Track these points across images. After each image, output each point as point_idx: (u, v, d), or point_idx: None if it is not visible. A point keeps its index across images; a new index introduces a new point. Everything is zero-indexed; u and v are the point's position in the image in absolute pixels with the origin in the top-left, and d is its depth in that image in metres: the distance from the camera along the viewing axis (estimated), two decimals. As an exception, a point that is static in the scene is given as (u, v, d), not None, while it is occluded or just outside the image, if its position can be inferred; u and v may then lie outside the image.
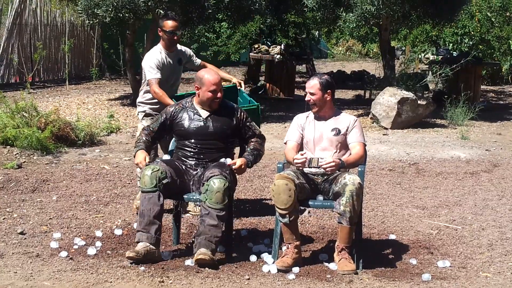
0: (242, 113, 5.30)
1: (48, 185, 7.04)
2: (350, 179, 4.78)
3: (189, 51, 6.34)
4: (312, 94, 5.09)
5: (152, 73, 5.94)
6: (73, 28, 16.55)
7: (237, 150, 5.53)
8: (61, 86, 15.16)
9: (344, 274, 4.70)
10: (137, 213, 5.95)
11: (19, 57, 14.84)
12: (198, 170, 5.13)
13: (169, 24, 6.00)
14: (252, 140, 5.32)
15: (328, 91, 5.10)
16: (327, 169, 4.84)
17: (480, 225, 6.01)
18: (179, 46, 6.23)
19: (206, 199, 4.81)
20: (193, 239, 5.06)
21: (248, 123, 5.31)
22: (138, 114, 6.25)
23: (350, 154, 5.06)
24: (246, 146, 5.34)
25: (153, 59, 5.99)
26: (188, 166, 5.16)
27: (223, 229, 4.87)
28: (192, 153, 5.19)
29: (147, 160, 5.06)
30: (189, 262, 4.79)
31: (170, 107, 5.36)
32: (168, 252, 5.05)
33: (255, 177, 7.63)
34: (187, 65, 6.41)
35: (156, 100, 5.98)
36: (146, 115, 6.09)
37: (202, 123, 5.17)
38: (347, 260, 4.79)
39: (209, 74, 5.18)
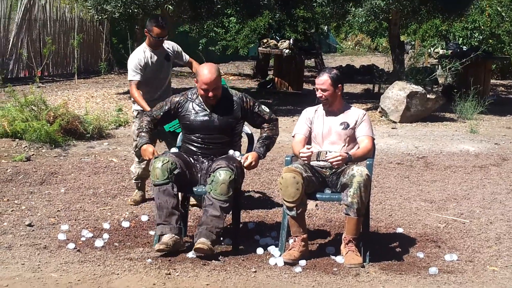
0: (248, 101, 5.22)
1: (56, 177, 7.07)
2: (358, 171, 4.77)
3: (176, 46, 6.33)
4: (324, 90, 5.07)
5: (132, 75, 6.06)
6: (82, 23, 16.58)
7: (244, 140, 5.51)
8: (70, 80, 15.19)
9: (351, 267, 4.70)
10: (133, 205, 6.17)
11: (28, 51, 14.89)
12: (206, 162, 5.12)
13: (157, 31, 6.03)
14: (264, 126, 5.27)
15: (338, 85, 5.09)
16: (334, 163, 4.84)
17: (488, 219, 5.98)
18: (166, 42, 6.23)
19: (211, 190, 4.82)
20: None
21: (256, 110, 5.24)
22: (133, 112, 6.33)
23: (358, 147, 5.05)
24: (259, 134, 5.31)
25: (134, 61, 6.07)
26: (196, 159, 5.15)
27: (225, 221, 4.88)
28: (198, 147, 5.17)
29: (155, 154, 5.06)
30: (191, 254, 4.80)
31: (175, 97, 5.29)
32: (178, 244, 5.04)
33: (262, 170, 7.62)
34: (176, 61, 6.42)
35: (154, 97, 6.08)
36: (140, 113, 6.08)
37: (207, 117, 5.13)
38: (354, 253, 4.78)
39: (203, 72, 5.08)
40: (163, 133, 5.86)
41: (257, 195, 6.70)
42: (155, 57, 6.13)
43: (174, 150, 5.31)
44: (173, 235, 4.81)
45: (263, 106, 5.30)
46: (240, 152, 5.20)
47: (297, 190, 4.76)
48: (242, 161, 5.03)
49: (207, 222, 4.79)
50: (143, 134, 5.20)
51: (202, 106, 5.17)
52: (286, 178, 4.78)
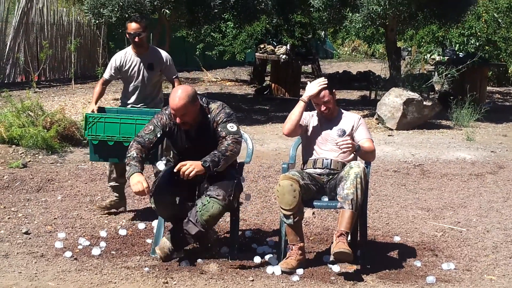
0: (216, 118, 4.87)
1: (53, 184, 7.06)
2: (355, 163, 4.82)
3: (167, 59, 6.17)
4: (326, 102, 5.08)
5: (105, 71, 6.21)
6: (79, 27, 16.60)
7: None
8: (67, 85, 15.19)
9: (337, 252, 4.54)
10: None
11: (25, 56, 14.88)
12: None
13: (131, 26, 6.02)
14: (225, 140, 4.85)
15: (333, 91, 5.16)
16: (343, 147, 4.83)
17: (485, 227, 5.99)
18: (159, 52, 6.16)
19: (200, 211, 4.71)
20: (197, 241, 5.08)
21: (219, 128, 4.86)
22: None
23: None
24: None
25: (113, 59, 6.18)
26: None
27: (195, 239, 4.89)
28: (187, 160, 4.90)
29: (147, 190, 4.61)
30: (184, 263, 4.80)
31: (162, 117, 4.91)
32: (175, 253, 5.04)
33: (259, 177, 7.62)
34: (164, 73, 6.24)
35: (128, 101, 6.17)
36: None
37: (190, 144, 4.91)
38: (343, 244, 4.59)
39: (172, 96, 4.73)
40: None
41: (254, 203, 6.69)
42: (135, 62, 6.09)
43: (161, 166, 5.05)
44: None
45: (229, 127, 4.86)
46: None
47: (294, 198, 4.76)
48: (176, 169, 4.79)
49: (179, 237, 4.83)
50: (133, 163, 4.70)
51: (185, 132, 4.92)
52: (283, 186, 4.78)
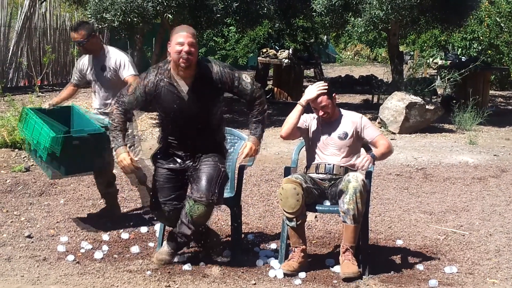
0: (227, 78, 4.69)
1: (55, 188, 7.06)
2: (353, 177, 4.75)
3: (119, 61, 5.93)
4: (324, 107, 5.05)
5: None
6: (82, 32, 16.61)
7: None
8: (69, 89, 15.19)
9: (345, 277, 4.67)
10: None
11: (28, 60, 14.92)
12: (191, 161, 4.82)
13: (72, 35, 5.97)
14: (250, 105, 4.86)
15: (333, 95, 5.11)
16: (364, 168, 4.85)
17: (487, 231, 5.98)
18: (113, 53, 5.99)
19: (188, 213, 4.69)
20: (199, 245, 5.09)
21: (237, 84, 4.73)
22: None
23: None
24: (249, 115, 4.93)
25: (77, 63, 6.20)
26: (180, 161, 4.84)
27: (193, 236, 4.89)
28: (178, 143, 4.82)
29: (133, 161, 4.67)
30: (186, 267, 4.80)
31: (146, 76, 4.70)
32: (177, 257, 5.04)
33: (262, 181, 7.62)
34: (121, 75, 5.96)
35: (93, 105, 6.15)
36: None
37: (183, 104, 4.65)
38: (350, 262, 4.74)
39: (181, 27, 4.69)
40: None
41: (256, 206, 6.69)
42: (92, 64, 6.03)
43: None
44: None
45: (243, 79, 4.76)
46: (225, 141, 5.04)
47: (297, 202, 4.75)
48: (239, 155, 4.90)
49: (177, 239, 4.83)
50: (116, 134, 4.70)
51: (176, 88, 4.66)
52: (286, 189, 4.77)
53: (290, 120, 5.08)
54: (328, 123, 5.12)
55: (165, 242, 4.91)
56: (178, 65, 4.58)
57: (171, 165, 4.85)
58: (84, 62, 6.11)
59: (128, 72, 5.92)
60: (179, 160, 4.85)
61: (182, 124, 4.74)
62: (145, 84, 4.68)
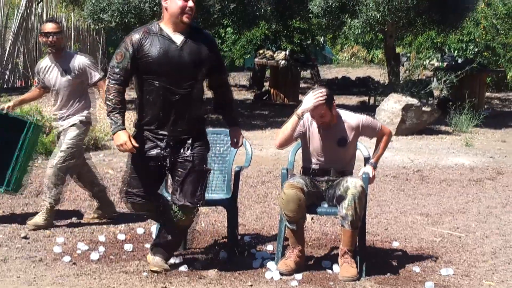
0: (216, 47, 4.72)
1: (52, 189, 7.04)
2: (352, 183, 4.74)
3: (83, 65, 5.84)
4: (322, 117, 4.87)
5: None
6: (78, 32, 16.60)
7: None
8: (66, 90, 15.18)
9: (344, 280, 4.69)
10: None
11: (25, 61, 14.90)
12: (173, 147, 4.61)
13: (48, 26, 5.84)
14: (221, 86, 4.79)
15: (333, 103, 4.91)
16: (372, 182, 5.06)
17: (483, 233, 5.99)
18: (75, 57, 5.91)
19: (174, 218, 4.67)
20: (195, 247, 5.08)
21: (219, 62, 4.75)
22: None
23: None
24: (217, 99, 4.81)
25: (37, 64, 6.13)
26: (162, 146, 4.59)
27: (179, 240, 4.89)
28: (162, 117, 4.54)
29: (133, 142, 4.45)
30: (183, 268, 4.80)
31: (133, 36, 4.52)
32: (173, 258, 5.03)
33: (258, 182, 7.62)
34: (85, 80, 5.90)
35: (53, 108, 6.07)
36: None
37: (176, 53, 4.48)
38: (349, 265, 4.76)
39: None
40: None
41: (253, 208, 6.69)
42: (52, 67, 5.89)
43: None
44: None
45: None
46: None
47: (299, 207, 4.74)
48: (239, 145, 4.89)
49: (164, 243, 4.75)
50: (115, 117, 4.48)
51: (169, 39, 4.50)
52: (288, 194, 4.74)
53: (285, 131, 4.88)
54: (327, 128, 4.96)
55: (157, 257, 4.74)
56: (177, 21, 4.47)
57: (152, 152, 4.58)
58: (45, 64, 5.95)
59: (96, 76, 5.88)
60: (161, 145, 4.56)
61: (170, 82, 4.48)
62: (133, 42, 4.48)
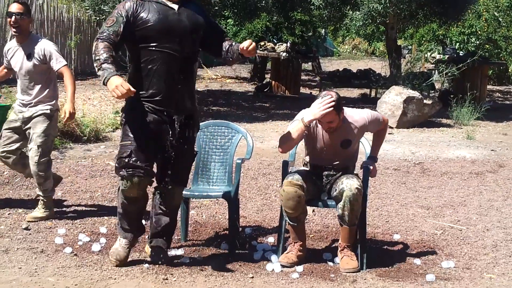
0: (208, 16, 4.70)
1: (53, 180, 7.05)
2: (347, 185, 4.70)
3: (48, 51, 5.66)
4: (330, 123, 4.74)
5: None
6: (79, 23, 16.59)
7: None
8: (67, 81, 15.17)
9: (346, 273, 4.71)
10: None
11: (25, 52, 14.88)
12: (173, 120, 4.51)
13: (13, 6, 5.63)
14: (226, 40, 4.68)
15: (341, 108, 4.74)
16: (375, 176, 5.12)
17: (484, 226, 5.99)
18: (40, 42, 5.75)
19: (167, 197, 4.69)
20: (198, 238, 5.09)
21: (213, 21, 4.75)
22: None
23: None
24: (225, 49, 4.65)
25: (5, 47, 5.90)
26: (167, 120, 4.49)
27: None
28: (164, 87, 4.41)
29: (130, 91, 4.12)
30: (184, 259, 4.81)
31: (128, 1, 4.39)
32: (175, 249, 5.04)
33: (259, 175, 7.62)
34: (49, 66, 5.72)
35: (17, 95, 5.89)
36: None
37: (173, 17, 4.40)
38: (349, 258, 4.79)
39: None
40: None
41: (254, 200, 6.69)
42: (16, 50, 5.74)
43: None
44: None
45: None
46: None
47: (298, 204, 4.75)
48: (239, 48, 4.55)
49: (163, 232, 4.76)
50: (106, 66, 4.15)
51: (164, 5, 4.43)
52: (288, 192, 4.74)
53: (290, 138, 4.69)
54: (332, 131, 4.84)
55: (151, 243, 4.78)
56: None
57: (157, 126, 4.47)
58: (10, 46, 5.80)
59: (60, 63, 5.70)
60: (166, 119, 4.46)
61: (173, 48, 4.38)
62: (126, 8, 4.35)
